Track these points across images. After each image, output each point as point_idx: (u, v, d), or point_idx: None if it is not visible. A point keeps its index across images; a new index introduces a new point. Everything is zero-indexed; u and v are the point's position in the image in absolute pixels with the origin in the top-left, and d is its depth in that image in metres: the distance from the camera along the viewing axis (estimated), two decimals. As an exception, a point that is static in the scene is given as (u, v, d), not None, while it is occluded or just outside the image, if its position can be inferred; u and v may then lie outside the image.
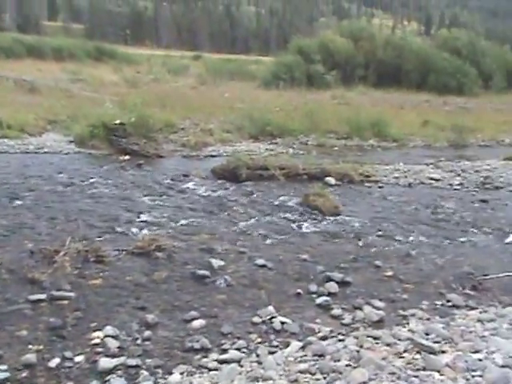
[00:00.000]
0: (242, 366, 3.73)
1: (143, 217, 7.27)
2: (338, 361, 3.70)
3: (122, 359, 3.78)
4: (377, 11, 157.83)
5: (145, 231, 6.61)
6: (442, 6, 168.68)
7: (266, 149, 13.52)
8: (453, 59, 32.91)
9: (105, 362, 3.73)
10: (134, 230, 6.67)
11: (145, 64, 38.95)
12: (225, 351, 3.96)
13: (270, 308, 4.63)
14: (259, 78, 32.06)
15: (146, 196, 8.42)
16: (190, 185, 9.38)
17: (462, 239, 6.99)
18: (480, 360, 3.62)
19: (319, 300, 4.88)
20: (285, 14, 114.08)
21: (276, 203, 8.42)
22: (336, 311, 4.66)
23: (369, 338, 4.05)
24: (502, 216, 8.32)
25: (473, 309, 4.77)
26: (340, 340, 4.07)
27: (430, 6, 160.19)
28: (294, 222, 7.45)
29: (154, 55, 51.58)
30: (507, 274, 5.63)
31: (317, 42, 34.49)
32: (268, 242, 6.51)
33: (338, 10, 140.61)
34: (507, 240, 7.09)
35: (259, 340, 4.14)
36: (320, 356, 3.80)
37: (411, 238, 6.89)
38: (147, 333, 4.17)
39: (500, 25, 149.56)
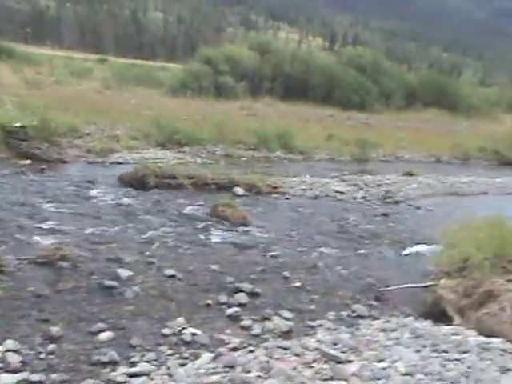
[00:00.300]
0: (152, 379, 3.66)
1: (46, 225, 6.98)
2: (249, 372, 3.72)
3: (24, 374, 3.60)
4: (283, 25, 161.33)
5: (48, 240, 6.35)
6: (345, 24, 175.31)
7: (174, 157, 13.43)
8: (357, 76, 34.25)
9: (5, 378, 3.53)
10: (37, 238, 6.39)
11: (46, 65, 37.45)
12: (134, 364, 3.87)
13: (180, 319, 4.59)
14: (166, 85, 31.81)
15: (48, 203, 8.10)
16: (96, 192, 9.14)
17: (365, 251, 7.25)
18: (384, 369, 3.75)
19: (229, 311, 4.89)
20: (192, 22, 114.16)
21: (185, 213, 8.37)
22: (246, 322, 4.69)
23: (278, 349, 4.10)
24: (401, 229, 8.72)
25: (376, 319, 4.95)
26: (250, 351, 4.09)
27: (334, 23, 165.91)
28: (203, 232, 7.44)
29: (56, 56, 49.90)
30: (407, 285, 5.89)
31: (224, 53, 34.75)
32: (177, 252, 6.45)
33: (246, 21, 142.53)
34: (406, 252, 7.43)
35: (169, 352, 4.08)
36: (231, 367, 3.80)
37: (318, 250, 7.06)
38: (51, 346, 3.99)
39: (399, 45, 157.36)
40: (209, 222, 7.90)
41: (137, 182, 9.77)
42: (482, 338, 4.31)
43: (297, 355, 4.00)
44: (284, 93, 32.79)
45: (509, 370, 3.76)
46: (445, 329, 4.58)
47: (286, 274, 5.98)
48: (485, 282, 5.11)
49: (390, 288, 5.81)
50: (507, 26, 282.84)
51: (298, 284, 5.74)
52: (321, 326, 4.71)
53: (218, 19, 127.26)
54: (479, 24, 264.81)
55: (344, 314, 5.08)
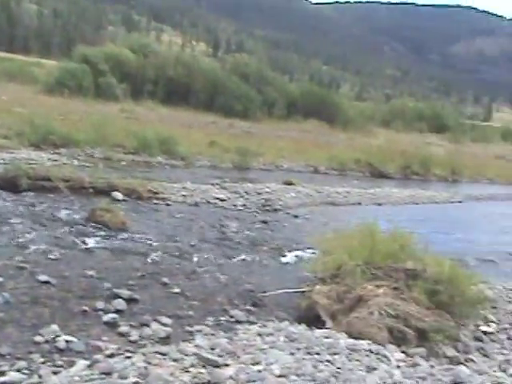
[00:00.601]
0: (22, 388, 3.51)
1: None
2: (126, 378, 3.65)
3: None
4: (166, 27, 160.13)
5: None
6: (229, 31, 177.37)
7: (49, 159, 12.90)
8: (240, 84, 34.73)
9: None
10: None
11: None
12: (3, 373, 3.67)
13: (54, 326, 4.41)
14: (41, 83, 30.45)
15: None
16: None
17: (244, 257, 7.37)
18: (259, 371, 3.85)
19: (106, 317, 4.78)
20: (70, 18, 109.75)
21: (60, 217, 8.06)
22: (123, 328, 4.61)
23: (156, 355, 4.07)
24: (279, 236, 8.96)
25: (254, 324, 5.05)
26: (128, 357, 4.02)
27: (218, 30, 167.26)
28: (79, 237, 7.20)
29: None
30: (284, 290, 6.07)
31: (105, 52, 33.88)
32: (51, 257, 6.19)
33: (127, 21, 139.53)
34: (283, 259, 7.66)
35: (42, 360, 3.92)
36: (107, 374, 3.72)
37: (197, 256, 7.09)
38: None
39: (281, 56, 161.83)
40: (86, 227, 7.67)
41: (7, 184, 9.24)
42: (352, 340, 4.54)
43: (175, 360, 3.99)
44: (166, 97, 32.56)
45: (374, 369, 4.01)
46: (318, 332, 4.77)
47: (165, 280, 5.94)
48: (356, 287, 5.38)
49: (267, 294, 5.95)
50: (382, 44, 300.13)
51: (177, 290, 5.73)
52: (199, 331, 4.74)
53: (97, 16, 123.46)
54: (357, 40, 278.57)
55: (222, 319, 5.14)
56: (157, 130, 17.20)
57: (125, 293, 5.33)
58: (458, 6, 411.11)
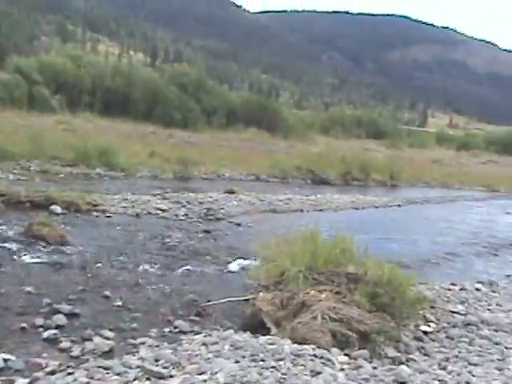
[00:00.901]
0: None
1: None
2: (68, 395, 3.59)
3: None
4: (103, 38, 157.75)
5: None
6: (167, 40, 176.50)
7: (-17, 173, 12.51)
8: (179, 93, 34.55)
9: None
10: None
11: None
12: None
13: (-9, 345, 4.28)
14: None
15: None
16: None
17: (187, 268, 7.33)
18: (205, 381, 3.83)
19: (46, 334, 4.65)
20: (2, 28, 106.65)
21: (-5, 232, 7.82)
22: (65, 344, 4.50)
23: (99, 369, 3.99)
24: (222, 245, 8.95)
25: (198, 333, 5.02)
26: (69, 373, 3.93)
27: (156, 39, 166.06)
28: (16, 252, 7.00)
29: None
30: (228, 299, 6.07)
31: (39, 63, 33.10)
32: (-13, 274, 6.01)
33: (62, 31, 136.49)
34: (227, 268, 7.65)
35: (-22, 381, 3.80)
36: (48, 392, 3.64)
37: (140, 268, 7.00)
38: None
39: (220, 65, 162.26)
40: (23, 242, 7.45)
41: None
42: (296, 346, 4.58)
43: (118, 374, 3.93)
44: (104, 108, 32.04)
45: (319, 373, 4.06)
46: (263, 339, 4.78)
47: (107, 293, 5.84)
48: (299, 293, 5.44)
49: (211, 303, 5.93)
50: (320, 53, 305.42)
51: (119, 303, 5.64)
52: (143, 343, 4.67)
53: (30, 26, 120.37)
54: (295, 49, 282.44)
55: (166, 330, 5.09)
56: (95, 141, 16.91)
57: (65, 308, 5.21)
58: (392, 15, 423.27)
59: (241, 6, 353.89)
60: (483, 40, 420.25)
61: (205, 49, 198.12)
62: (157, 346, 4.62)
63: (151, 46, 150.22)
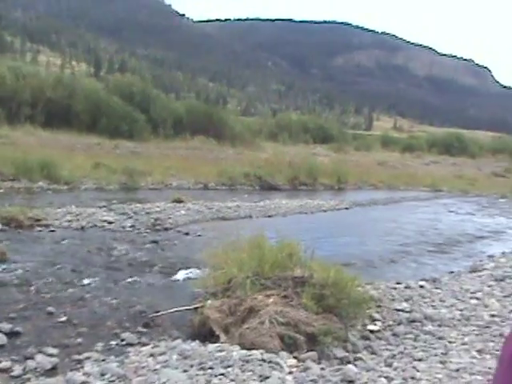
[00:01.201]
0: None
1: None
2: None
3: None
4: (43, 48, 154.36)
5: None
6: (111, 50, 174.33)
7: None
8: (124, 104, 34.09)
9: None
10: None
11: None
12: None
13: None
14: None
15: None
16: None
17: (135, 279, 7.23)
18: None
19: (-15, 355, 4.52)
20: None
21: None
22: (5, 364, 4.35)
23: (42, 388, 3.90)
24: (171, 255, 8.88)
25: (145, 345, 4.96)
26: (10, 394, 3.83)
27: (99, 49, 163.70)
28: (-46, 271, 6.76)
29: None
30: (175, 309, 6.02)
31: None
32: None
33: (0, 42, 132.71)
34: (175, 277, 7.59)
35: None
36: (-12, 414, 3.52)
37: (85, 282, 6.87)
38: None
39: (166, 74, 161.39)
40: (-38, 261, 7.21)
41: None
42: (245, 352, 4.58)
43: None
44: (46, 120, 31.26)
45: (267, 377, 4.06)
46: (211, 347, 4.76)
47: (50, 309, 5.70)
48: (246, 299, 5.44)
49: (159, 313, 5.87)
50: (266, 60, 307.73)
51: (63, 318, 5.51)
52: (88, 358, 4.58)
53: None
54: (240, 57, 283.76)
55: (113, 343, 5.01)
56: (37, 154, 16.53)
57: (5, 326, 5.05)
58: (334, 22, 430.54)
59: (184, 15, 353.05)
60: (421, 45, 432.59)
61: (149, 58, 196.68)
62: (103, 360, 4.54)
63: (94, 56, 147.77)
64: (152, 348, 4.83)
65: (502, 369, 1.24)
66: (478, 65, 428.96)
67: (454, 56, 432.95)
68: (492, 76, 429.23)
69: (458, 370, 4.57)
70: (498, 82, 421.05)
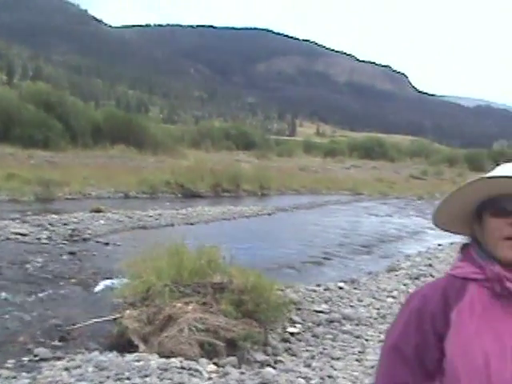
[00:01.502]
0: None
1: None
2: None
3: None
4: None
5: None
6: (24, 56, 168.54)
7: None
8: (38, 112, 32.86)
9: None
10: None
11: None
12: None
13: None
14: None
15: None
16: None
17: (50, 292, 7.02)
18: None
19: None
20: None
21: None
22: None
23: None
24: (89, 266, 8.67)
25: (60, 359, 4.81)
26: None
27: (11, 56, 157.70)
28: None
29: None
30: (94, 320, 5.88)
31: None
32: None
33: None
34: (94, 289, 7.42)
35: None
36: None
37: (-4, 297, 6.60)
38: None
39: (84, 81, 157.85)
40: None
41: None
42: (163, 360, 4.54)
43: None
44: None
45: (186, 385, 4.04)
46: (129, 357, 4.69)
47: (-42, 327, 5.45)
48: (165, 307, 5.38)
49: (76, 326, 5.72)
50: (188, 66, 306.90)
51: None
52: (-1, 376, 4.41)
53: None
54: (161, 63, 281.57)
55: (25, 359, 4.83)
56: None
57: None
58: (256, 29, 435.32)
59: (101, 21, 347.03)
60: (341, 51, 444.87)
61: (66, 64, 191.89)
62: (14, 377, 4.38)
63: (6, 62, 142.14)
64: (67, 362, 4.70)
65: (382, 358, 1.32)
66: (395, 71, 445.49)
67: (373, 62, 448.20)
68: (409, 82, 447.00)
69: (373, 367, 4.70)
70: (414, 88, 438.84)
